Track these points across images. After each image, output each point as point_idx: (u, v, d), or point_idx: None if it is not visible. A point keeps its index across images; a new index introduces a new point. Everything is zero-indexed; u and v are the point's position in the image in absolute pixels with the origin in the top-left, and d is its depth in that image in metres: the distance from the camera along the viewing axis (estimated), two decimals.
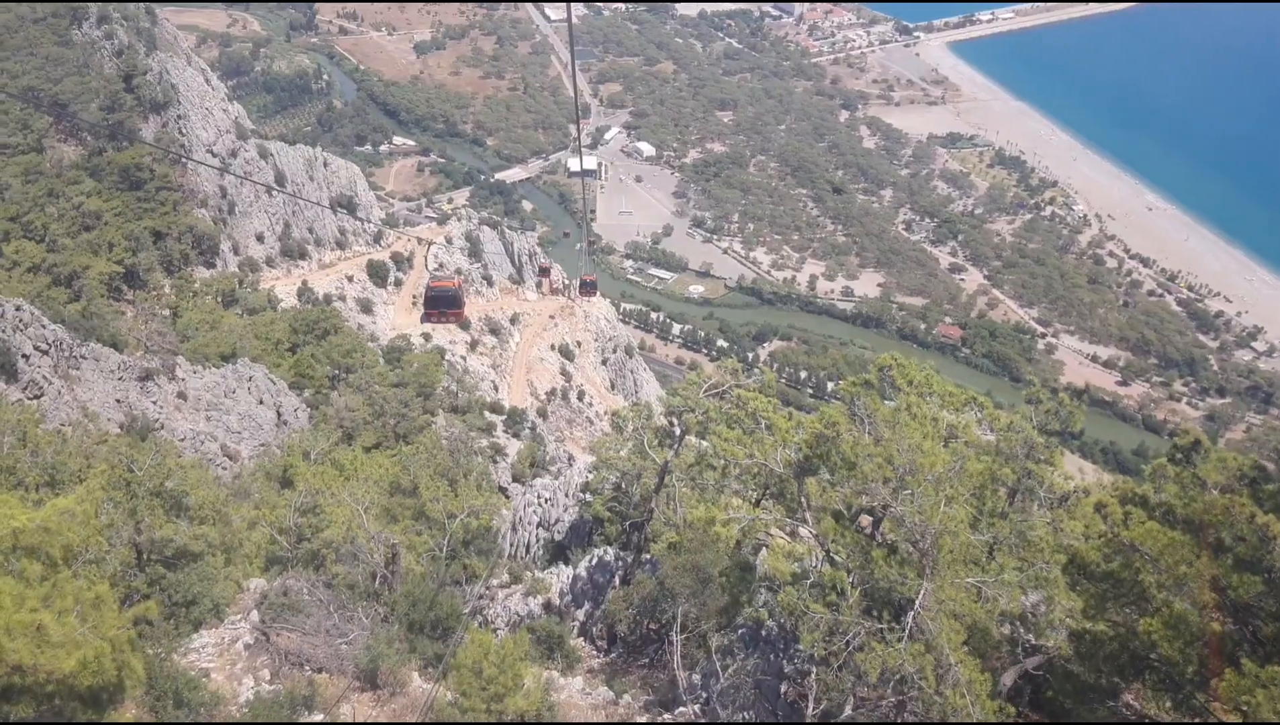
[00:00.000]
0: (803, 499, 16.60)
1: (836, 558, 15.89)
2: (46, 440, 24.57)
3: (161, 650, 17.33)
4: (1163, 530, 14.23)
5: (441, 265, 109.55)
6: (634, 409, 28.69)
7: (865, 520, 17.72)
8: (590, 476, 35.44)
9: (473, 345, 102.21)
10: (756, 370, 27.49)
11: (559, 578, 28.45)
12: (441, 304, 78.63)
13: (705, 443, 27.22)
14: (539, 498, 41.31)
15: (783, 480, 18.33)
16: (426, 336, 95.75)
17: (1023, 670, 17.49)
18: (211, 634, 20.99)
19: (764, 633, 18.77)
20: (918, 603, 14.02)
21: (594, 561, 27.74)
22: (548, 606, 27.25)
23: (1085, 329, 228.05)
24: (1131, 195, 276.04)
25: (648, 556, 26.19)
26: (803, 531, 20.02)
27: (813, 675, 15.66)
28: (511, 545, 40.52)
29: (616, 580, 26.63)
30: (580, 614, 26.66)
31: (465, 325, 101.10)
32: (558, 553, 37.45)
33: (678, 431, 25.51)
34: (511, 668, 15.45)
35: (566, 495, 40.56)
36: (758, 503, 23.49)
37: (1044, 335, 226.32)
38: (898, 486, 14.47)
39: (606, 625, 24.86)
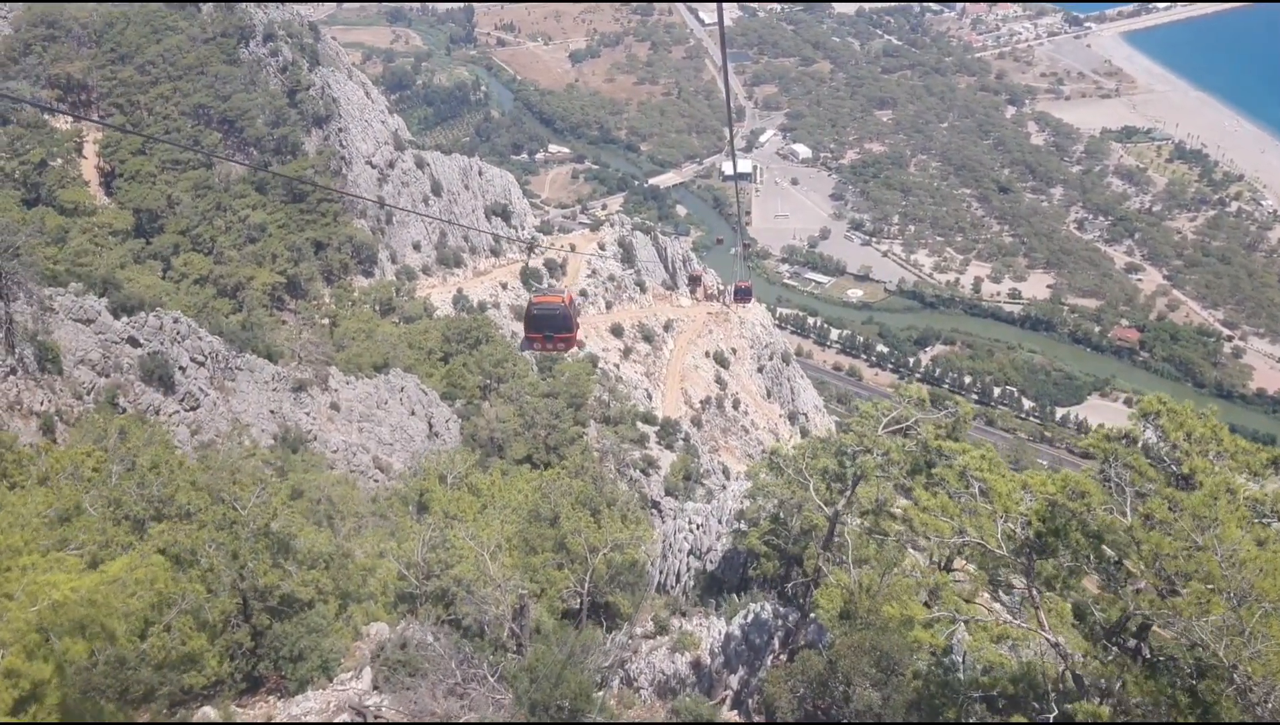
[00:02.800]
0: (1033, 592, 12.84)
1: (1082, 674, 12.03)
2: (154, 470, 22.97)
3: None
4: None
5: (596, 271, 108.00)
6: (798, 448, 24.85)
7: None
8: (745, 504, 32.12)
9: (626, 353, 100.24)
10: (950, 403, 23.04)
11: (709, 632, 24.98)
12: (546, 326, 65.23)
13: (880, 469, 23.29)
14: (690, 523, 38.26)
15: (1002, 560, 14.29)
16: (580, 343, 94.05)
17: None
18: (317, 698, 18.70)
19: None
20: None
21: (749, 618, 24.14)
22: (696, 666, 23.88)
23: (1277, 331, 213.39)
24: None
25: (813, 618, 22.48)
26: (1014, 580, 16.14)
27: None
28: (661, 573, 37.62)
29: (776, 643, 23.09)
30: (733, 680, 23.17)
31: (618, 329, 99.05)
32: (710, 585, 34.27)
33: (851, 475, 21.68)
34: None
35: (720, 522, 37.26)
36: (948, 563, 19.68)
37: (1230, 338, 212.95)
38: (1228, 625, 10.25)
39: (764, 700, 21.44)
